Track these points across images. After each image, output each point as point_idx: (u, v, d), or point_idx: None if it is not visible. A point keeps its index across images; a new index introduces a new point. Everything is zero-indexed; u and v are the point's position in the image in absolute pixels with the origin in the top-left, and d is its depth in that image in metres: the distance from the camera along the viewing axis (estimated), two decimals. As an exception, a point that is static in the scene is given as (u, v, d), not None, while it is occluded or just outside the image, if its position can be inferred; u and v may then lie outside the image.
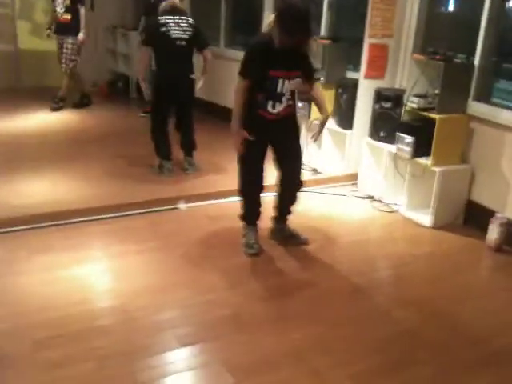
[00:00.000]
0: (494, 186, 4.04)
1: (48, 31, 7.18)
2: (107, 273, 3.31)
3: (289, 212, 3.76)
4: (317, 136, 3.59)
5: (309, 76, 3.46)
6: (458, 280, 3.47)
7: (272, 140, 3.50)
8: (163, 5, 4.78)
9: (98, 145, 5.90)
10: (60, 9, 7.01)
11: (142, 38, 4.81)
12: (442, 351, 2.73)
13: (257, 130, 3.39)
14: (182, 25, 4.70)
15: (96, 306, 2.98)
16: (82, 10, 7.05)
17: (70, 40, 7.07)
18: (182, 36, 4.70)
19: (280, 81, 3.29)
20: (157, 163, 4.97)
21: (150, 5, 6.49)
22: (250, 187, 3.60)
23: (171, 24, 4.65)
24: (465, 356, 2.71)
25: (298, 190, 3.68)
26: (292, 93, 3.40)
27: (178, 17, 4.70)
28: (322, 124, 3.56)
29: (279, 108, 3.37)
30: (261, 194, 3.63)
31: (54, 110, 7.19)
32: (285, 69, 3.28)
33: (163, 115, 4.89)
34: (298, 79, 3.36)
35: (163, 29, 4.63)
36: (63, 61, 7.15)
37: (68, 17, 7.01)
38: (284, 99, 3.35)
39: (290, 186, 3.66)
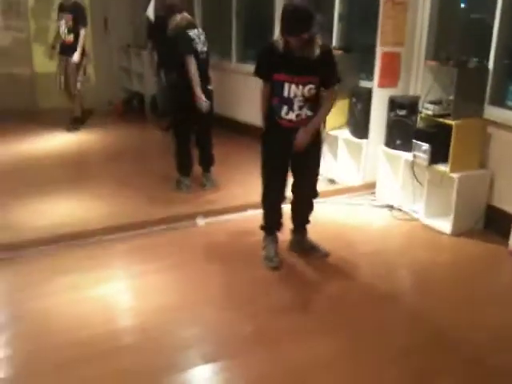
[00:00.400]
0: (513, 190, 4.00)
1: (52, 51, 7.26)
2: (129, 292, 3.33)
3: (307, 221, 3.76)
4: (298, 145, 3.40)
5: (325, 83, 3.38)
6: (481, 287, 3.43)
7: (292, 149, 3.46)
8: (179, 20, 4.71)
9: (115, 163, 5.95)
10: (63, 29, 7.08)
11: (181, 49, 4.67)
12: (468, 359, 2.70)
13: (277, 141, 3.42)
14: (201, 37, 4.75)
15: (119, 325, 3.00)
16: (83, 32, 7.10)
17: (72, 59, 7.11)
18: (204, 49, 4.75)
19: (286, 85, 3.28)
20: (175, 179, 4.99)
21: (153, 26, 6.55)
22: (271, 199, 3.60)
23: (196, 39, 4.69)
24: (490, 364, 2.67)
25: (313, 197, 3.68)
26: (310, 101, 3.34)
27: (196, 30, 4.74)
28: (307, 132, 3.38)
29: (291, 115, 3.35)
30: (281, 206, 3.63)
31: (71, 131, 7.27)
32: (290, 73, 3.27)
33: (188, 131, 4.90)
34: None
35: (194, 44, 4.65)
36: (71, 82, 7.20)
37: (71, 38, 7.08)
38: (296, 106, 3.33)
39: (305, 196, 3.66)
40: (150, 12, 6.81)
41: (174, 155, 4.98)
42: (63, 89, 7.27)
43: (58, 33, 7.18)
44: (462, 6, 4.70)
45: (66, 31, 7.07)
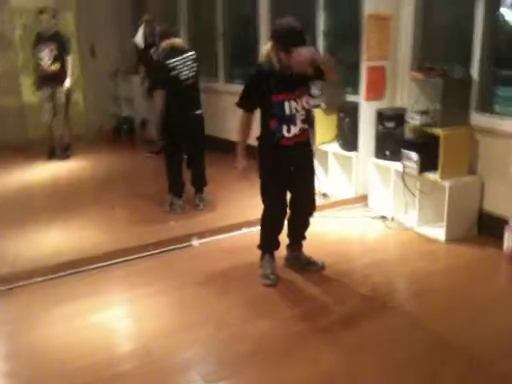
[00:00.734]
0: (504, 193, 4.04)
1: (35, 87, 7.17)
2: (128, 316, 3.32)
3: (303, 238, 3.77)
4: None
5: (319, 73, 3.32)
6: (479, 292, 3.44)
7: (292, 169, 3.51)
8: (164, 47, 4.81)
9: (107, 189, 5.96)
10: (48, 60, 6.99)
11: (151, 84, 4.83)
12: (470, 365, 2.70)
13: (277, 162, 3.44)
14: (187, 63, 4.77)
15: (119, 351, 2.99)
16: (69, 59, 7.12)
17: (62, 89, 7.12)
18: (190, 74, 4.78)
19: (286, 103, 3.32)
20: (168, 201, 5.01)
21: (142, 52, 6.64)
22: (274, 220, 3.60)
23: (179, 66, 4.72)
24: (494, 370, 2.68)
25: (311, 214, 3.71)
26: (307, 114, 3.41)
27: (181, 56, 4.76)
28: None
29: (295, 130, 3.38)
30: (282, 224, 3.63)
31: (63, 159, 7.28)
32: (288, 90, 3.30)
33: (177, 153, 4.95)
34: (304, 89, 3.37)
35: (173, 72, 4.69)
36: (59, 109, 7.19)
37: (57, 67, 7.03)
38: (298, 121, 3.36)
39: (303, 212, 3.67)
40: (139, 38, 6.91)
41: (166, 177, 5.01)
42: (51, 119, 7.24)
43: (38, 65, 7.06)
44: (445, 16, 4.77)
45: (49, 62, 7.01)
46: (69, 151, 7.40)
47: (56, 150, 7.38)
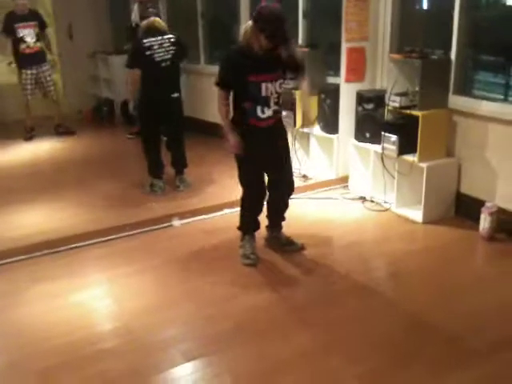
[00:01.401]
0: (481, 176, 4.10)
1: (12, 65, 7.06)
2: (107, 296, 3.33)
3: (283, 219, 3.80)
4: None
5: (295, 70, 3.52)
6: (455, 272, 3.51)
7: (268, 150, 3.53)
8: (143, 25, 4.79)
9: (87, 170, 5.92)
10: (31, 39, 6.92)
11: (127, 62, 4.80)
12: (447, 343, 2.77)
13: (254, 142, 3.45)
14: (164, 45, 4.72)
15: (99, 329, 3.00)
16: (48, 34, 7.09)
17: (47, 67, 7.12)
18: (166, 57, 4.73)
19: (263, 85, 3.33)
20: (148, 182, 5.00)
21: (131, 29, 6.56)
22: (254, 200, 3.63)
23: (155, 47, 4.67)
24: (469, 346, 2.75)
25: (290, 195, 3.74)
26: (279, 96, 3.43)
27: (160, 37, 4.72)
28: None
29: (269, 112, 3.40)
30: (262, 204, 3.67)
31: (60, 135, 7.33)
32: (265, 72, 3.32)
33: (154, 135, 4.93)
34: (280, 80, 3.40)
35: (148, 52, 4.64)
36: (50, 89, 7.19)
37: (39, 45, 7.00)
38: (271, 102, 3.39)
39: (281, 193, 3.70)
40: (136, 17, 6.81)
41: (145, 159, 4.99)
42: (30, 99, 7.18)
43: (18, 44, 6.92)
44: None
45: (32, 40, 6.94)
46: (61, 128, 7.43)
47: (34, 130, 7.32)
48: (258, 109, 3.37)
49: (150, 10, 5.05)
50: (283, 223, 3.82)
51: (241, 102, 3.39)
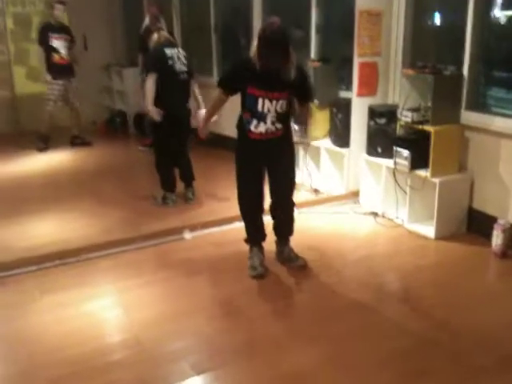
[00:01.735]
0: (494, 192, 4.08)
1: (48, 77, 7.13)
2: (118, 307, 3.33)
3: (287, 233, 3.78)
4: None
5: (301, 100, 3.55)
6: (465, 288, 3.49)
7: (264, 161, 3.56)
8: (157, 37, 4.81)
9: (100, 181, 5.96)
10: (63, 50, 7.11)
11: (146, 68, 4.80)
12: (456, 359, 2.74)
13: (247, 151, 3.51)
14: (180, 57, 4.78)
15: (109, 340, 3.01)
16: (74, 50, 7.25)
17: (75, 80, 7.31)
18: (183, 69, 4.78)
19: (260, 100, 3.34)
20: (160, 195, 5.01)
21: (141, 38, 6.63)
22: (247, 209, 3.67)
23: (175, 58, 4.72)
24: (479, 362, 2.72)
25: (291, 211, 3.73)
26: (282, 116, 3.42)
27: (176, 50, 4.78)
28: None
29: (261, 128, 3.40)
30: (259, 214, 3.67)
31: (77, 146, 7.45)
32: (264, 88, 3.32)
33: (168, 148, 4.93)
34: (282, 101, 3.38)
35: (170, 62, 4.68)
36: (73, 100, 7.32)
37: (71, 58, 7.20)
38: (269, 120, 3.38)
39: (281, 208, 3.71)
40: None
41: (157, 172, 5.02)
42: (51, 109, 7.29)
43: (51, 55, 7.06)
44: (437, 14, 4.81)
45: (65, 52, 7.13)
46: (78, 140, 7.55)
47: (49, 141, 7.42)
48: (253, 122, 3.40)
49: (159, 24, 5.13)
50: (291, 238, 3.79)
51: (242, 110, 3.45)
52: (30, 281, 3.65)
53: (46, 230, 4.53)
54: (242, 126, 3.49)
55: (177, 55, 4.75)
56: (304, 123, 4.13)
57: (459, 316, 3.15)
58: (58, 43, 7.07)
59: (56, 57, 7.09)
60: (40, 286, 3.56)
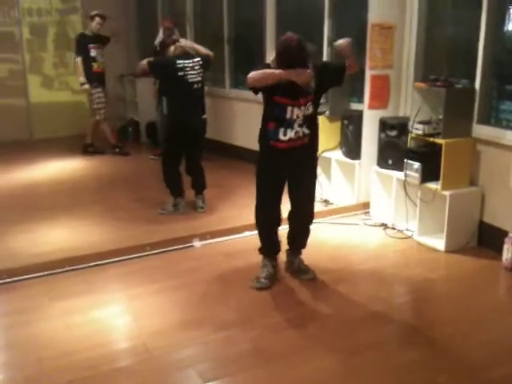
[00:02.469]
0: (505, 205, 4.06)
1: (90, 86, 7.25)
2: (127, 314, 3.35)
3: (300, 245, 3.78)
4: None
5: (337, 76, 3.53)
6: (476, 302, 3.46)
7: (287, 172, 3.55)
8: (173, 50, 4.87)
9: (111, 190, 6.00)
10: (100, 59, 7.30)
11: (151, 61, 4.81)
12: (464, 374, 2.72)
13: (271, 163, 3.49)
14: (195, 68, 4.82)
15: (117, 347, 3.02)
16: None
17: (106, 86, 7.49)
18: (197, 79, 4.82)
19: (289, 108, 3.33)
20: (171, 203, 5.03)
21: (155, 52, 6.70)
22: (264, 221, 3.65)
23: (188, 68, 4.76)
24: (490, 377, 2.70)
25: (309, 224, 3.72)
26: (309, 119, 3.41)
27: (191, 60, 4.81)
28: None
29: (291, 134, 3.38)
30: (276, 227, 3.67)
31: (88, 154, 7.55)
32: (290, 97, 3.32)
33: (176, 158, 4.97)
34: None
35: (181, 73, 4.73)
36: (102, 107, 7.42)
37: (103, 65, 7.37)
38: (296, 125, 3.37)
39: (300, 220, 3.69)
40: (158, 41, 6.98)
41: (164, 180, 5.04)
42: (104, 115, 7.45)
43: (90, 64, 7.20)
44: (449, 27, 4.82)
45: (102, 60, 7.33)
46: (91, 148, 7.65)
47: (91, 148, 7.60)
48: (281, 130, 3.38)
49: (174, 36, 5.20)
50: (303, 250, 3.79)
51: (266, 121, 3.44)
52: (39, 287, 3.67)
53: (56, 237, 4.56)
54: (266, 137, 3.45)
55: (191, 66, 4.78)
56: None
57: (470, 329, 3.13)
58: (95, 52, 7.25)
59: (95, 66, 7.27)
60: (49, 293, 3.58)
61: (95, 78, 7.26)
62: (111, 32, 7.40)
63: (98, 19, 7.19)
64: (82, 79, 7.20)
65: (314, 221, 3.75)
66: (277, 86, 3.30)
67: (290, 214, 3.69)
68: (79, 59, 7.18)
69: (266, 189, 3.57)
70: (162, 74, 4.88)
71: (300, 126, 3.40)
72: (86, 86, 7.23)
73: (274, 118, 3.39)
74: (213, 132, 7.54)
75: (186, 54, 4.84)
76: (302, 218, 3.69)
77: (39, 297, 3.53)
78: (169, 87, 4.78)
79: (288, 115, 3.35)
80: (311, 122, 3.46)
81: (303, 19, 6.14)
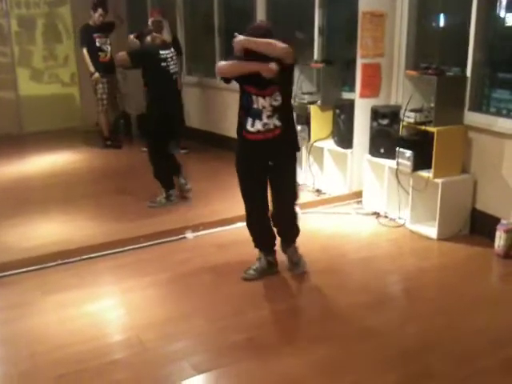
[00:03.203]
0: (497, 193, 4.07)
1: (97, 75, 7.21)
2: (120, 307, 3.34)
3: (290, 240, 3.66)
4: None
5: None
6: (469, 290, 3.47)
7: (260, 165, 3.44)
8: (151, 39, 4.84)
9: (102, 183, 5.97)
10: (106, 47, 7.27)
11: (131, 52, 4.74)
12: (459, 362, 2.73)
13: (243, 153, 3.44)
14: (174, 58, 4.86)
15: (111, 340, 3.01)
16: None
17: (115, 76, 7.45)
18: (175, 70, 4.89)
19: (254, 97, 3.27)
20: (163, 195, 5.01)
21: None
22: (247, 211, 3.57)
23: (169, 59, 4.78)
24: (483, 365, 2.71)
25: (292, 221, 3.61)
26: (280, 114, 3.30)
27: (169, 51, 4.83)
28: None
29: (259, 126, 3.30)
30: (262, 220, 3.56)
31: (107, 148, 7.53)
32: (257, 87, 3.26)
33: (164, 150, 4.97)
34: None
35: (163, 64, 4.73)
36: (105, 97, 7.38)
37: (110, 54, 7.29)
38: (264, 116, 3.29)
39: (282, 219, 3.60)
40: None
41: (156, 173, 5.00)
42: (106, 107, 7.40)
43: (97, 54, 7.17)
44: (440, 15, 4.81)
45: (109, 49, 7.27)
46: (109, 141, 7.60)
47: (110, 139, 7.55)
48: (249, 120, 3.32)
49: (150, 27, 5.24)
50: (291, 243, 3.69)
51: (239, 110, 3.39)
52: (31, 281, 3.65)
53: (48, 230, 4.53)
54: (239, 127, 3.40)
55: (170, 56, 4.82)
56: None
57: (462, 318, 3.14)
58: (100, 42, 7.22)
59: (102, 55, 7.24)
60: (41, 287, 3.56)
61: (101, 68, 7.21)
62: (114, 16, 7.34)
63: (100, 11, 7.12)
64: (92, 69, 7.16)
65: (307, 210, 3.73)
66: (245, 75, 3.26)
67: (273, 215, 3.58)
68: (84, 50, 7.15)
69: (247, 185, 3.49)
70: (143, 65, 4.79)
71: (269, 117, 3.30)
72: (97, 75, 7.19)
73: (242, 106, 3.36)
74: (204, 123, 7.52)
75: (165, 45, 4.85)
76: (285, 218, 3.58)
77: (31, 291, 3.51)
78: (152, 78, 4.77)
79: (255, 105, 3.29)
80: (283, 114, 3.34)
81: (294, 8, 6.11)
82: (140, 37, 4.87)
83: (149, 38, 4.85)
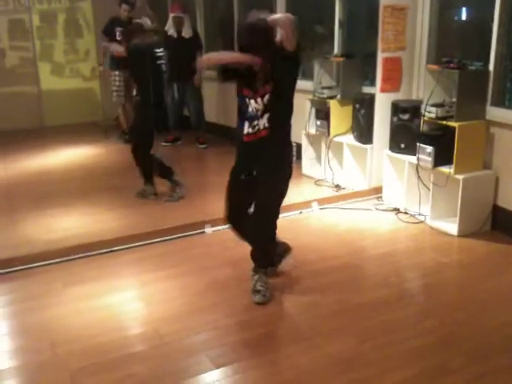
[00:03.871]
0: (519, 189, 4.02)
1: (110, 68, 7.25)
2: (139, 300, 3.36)
3: (254, 259, 3.33)
4: None
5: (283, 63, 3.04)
6: (488, 286, 3.43)
7: (244, 167, 3.30)
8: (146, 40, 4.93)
9: (123, 176, 5.99)
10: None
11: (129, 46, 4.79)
12: (477, 358, 2.71)
13: (239, 156, 3.33)
14: (164, 56, 4.94)
15: (130, 332, 3.03)
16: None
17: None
18: (165, 69, 4.99)
19: (246, 99, 3.14)
20: (175, 189, 5.05)
21: (165, 37, 6.69)
22: (229, 214, 3.40)
23: (162, 58, 4.88)
24: (501, 362, 2.68)
25: (262, 239, 3.28)
26: (267, 111, 3.10)
27: (161, 49, 4.91)
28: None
29: (250, 129, 3.15)
30: (242, 222, 3.37)
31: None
32: (250, 88, 3.13)
33: (151, 145, 5.00)
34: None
35: (159, 62, 4.83)
36: (116, 90, 7.37)
37: None
38: (257, 118, 3.12)
39: (254, 219, 3.28)
40: (169, 27, 6.94)
41: (157, 167, 5.02)
42: (121, 99, 7.37)
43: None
44: (463, 9, 4.74)
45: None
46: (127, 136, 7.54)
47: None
48: (246, 124, 3.16)
49: (139, 20, 5.24)
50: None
51: (237, 112, 3.25)
52: (52, 273, 3.70)
53: (70, 223, 4.59)
54: (237, 130, 3.26)
55: (162, 54, 4.90)
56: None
57: (482, 314, 3.10)
58: (121, 36, 7.08)
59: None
60: (63, 278, 3.61)
61: (115, 62, 7.15)
62: (146, 14, 7.34)
63: (124, 6, 7.08)
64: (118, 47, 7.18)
65: (326, 205, 3.69)
66: (239, 75, 3.14)
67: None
68: (104, 42, 7.08)
69: (233, 183, 3.32)
70: (140, 62, 4.76)
71: (260, 117, 3.11)
72: (108, 68, 7.22)
73: (239, 109, 3.22)
74: (216, 116, 7.56)
75: (159, 44, 4.91)
76: (256, 229, 3.27)
77: (53, 283, 3.56)
78: (145, 75, 4.75)
79: (250, 108, 3.12)
80: (274, 116, 3.10)
81: (314, 2, 6.07)
82: (129, 33, 4.95)
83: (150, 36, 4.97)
